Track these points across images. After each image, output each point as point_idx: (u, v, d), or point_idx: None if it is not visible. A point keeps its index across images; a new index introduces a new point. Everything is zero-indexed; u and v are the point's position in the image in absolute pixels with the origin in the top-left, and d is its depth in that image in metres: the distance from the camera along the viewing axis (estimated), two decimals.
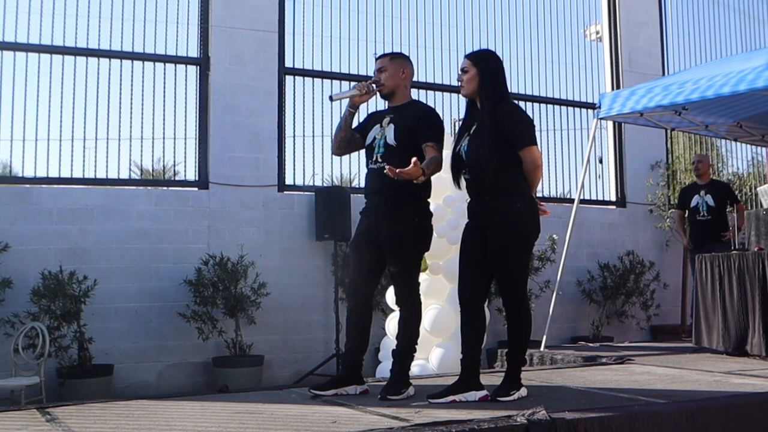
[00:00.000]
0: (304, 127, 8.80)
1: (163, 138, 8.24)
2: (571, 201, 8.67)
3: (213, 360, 7.81)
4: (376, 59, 4.86)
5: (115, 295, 7.63)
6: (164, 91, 8.25)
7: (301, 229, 8.46)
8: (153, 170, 8.65)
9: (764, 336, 6.31)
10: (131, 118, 8.10)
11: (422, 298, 4.78)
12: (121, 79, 8.08)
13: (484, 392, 4.31)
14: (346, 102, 4.80)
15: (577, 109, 10.43)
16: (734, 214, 8.14)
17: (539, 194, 8.52)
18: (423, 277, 5.56)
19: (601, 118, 7.69)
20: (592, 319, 9.51)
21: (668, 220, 9.84)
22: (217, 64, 8.33)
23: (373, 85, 4.74)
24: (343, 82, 8.92)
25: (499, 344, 8.07)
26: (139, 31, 8.14)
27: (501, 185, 4.30)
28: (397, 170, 4.11)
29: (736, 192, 10.16)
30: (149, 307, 7.78)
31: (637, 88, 7.27)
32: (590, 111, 9.90)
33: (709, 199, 8.41)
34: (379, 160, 4.62)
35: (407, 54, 5.00)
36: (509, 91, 4.54)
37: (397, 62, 4.78)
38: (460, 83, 4.50)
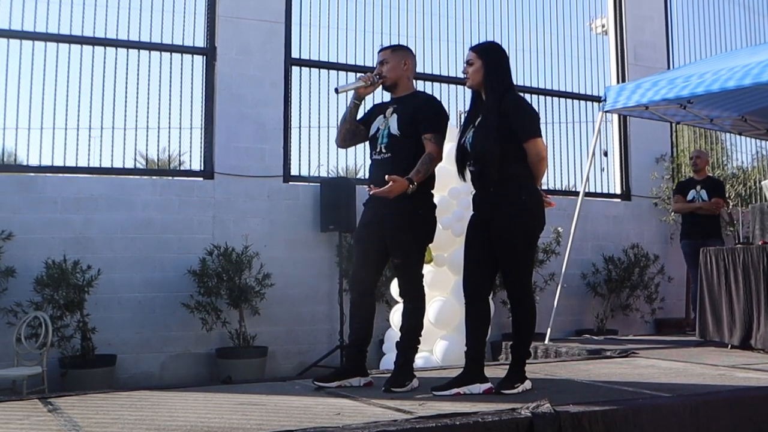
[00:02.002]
0: (309, 117, 8.79)
1: (169, 127, 8.23)
2: (576, 194, 8.64)
3: (216, 351, 7.81)
4: (378, 52, 4.87)
5: (119, 284, 7.63)
6: (170, 81, 8.24)
7: (306, 220, 8.46)
8: (158, 160, 8.65)
9: None
10: (137, 107, 8.10)
11: (427, 289, 4.78)
12: (127, 68, 8.06)
13: (488, 385, 4.30)
14: (351, 94, 4.80)
15: (582, 102, 10.40)
16: (737, 209, 8.14)
17: (544, 186, 8.53)
18: (427, 269, 5.57)
19: (606, 111, 7.68)
20: (597, 312, 9.50)
21: (672, 213, 9.82)
22: (223, 54, 8.32)
23: (378, 77, 4.74)
24: (349, 73, 8.91)
25: (504, 337, 8.08)
26: (145, 20, 8.13)
27: (506, 177, 4.28)
28: (380, 189, 4.30)
29: (741, 186, 10.17)
30: (153, 297, 7.78)
31: (643, 82, 7.25)
32: (595, 104, 9.87)
33: (704, 194, 8.47)
34: (383, 150, 4.63)
35: (412, 46, 4.99)
36: (514, 83, 4.53)
37: (398, 54, 4.77)
38: (465, 75, 4.50)
